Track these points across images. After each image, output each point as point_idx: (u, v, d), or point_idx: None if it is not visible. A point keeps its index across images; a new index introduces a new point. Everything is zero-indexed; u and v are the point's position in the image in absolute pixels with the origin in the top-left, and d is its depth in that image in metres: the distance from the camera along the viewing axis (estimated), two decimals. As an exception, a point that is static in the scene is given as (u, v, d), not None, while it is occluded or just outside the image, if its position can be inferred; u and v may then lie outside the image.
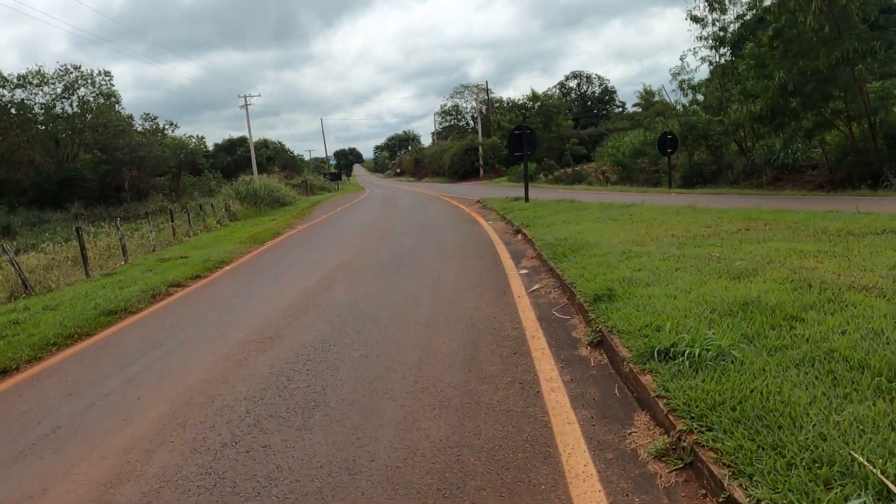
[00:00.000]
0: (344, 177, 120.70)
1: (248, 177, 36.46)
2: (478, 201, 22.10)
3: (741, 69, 24.57)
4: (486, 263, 8.56)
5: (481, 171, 60.13)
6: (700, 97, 26.00)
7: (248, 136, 56.74)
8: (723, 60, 24.45)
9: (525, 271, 7.74)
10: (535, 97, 40.79)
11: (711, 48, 24.54)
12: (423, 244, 11.26)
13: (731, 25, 24.60)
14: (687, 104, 26.48)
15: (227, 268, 10.72)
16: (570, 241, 8.22)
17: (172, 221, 20.31)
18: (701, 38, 24.63)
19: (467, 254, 9.68)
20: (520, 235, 11.00)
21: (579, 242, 8.06)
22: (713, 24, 24.31)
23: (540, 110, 39.26)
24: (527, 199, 17.02)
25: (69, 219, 42.43)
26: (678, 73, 27.25)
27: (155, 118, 65.33)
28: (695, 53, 31.08)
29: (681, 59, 37.05)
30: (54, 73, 50.85)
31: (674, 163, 30.23)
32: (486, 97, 69.59)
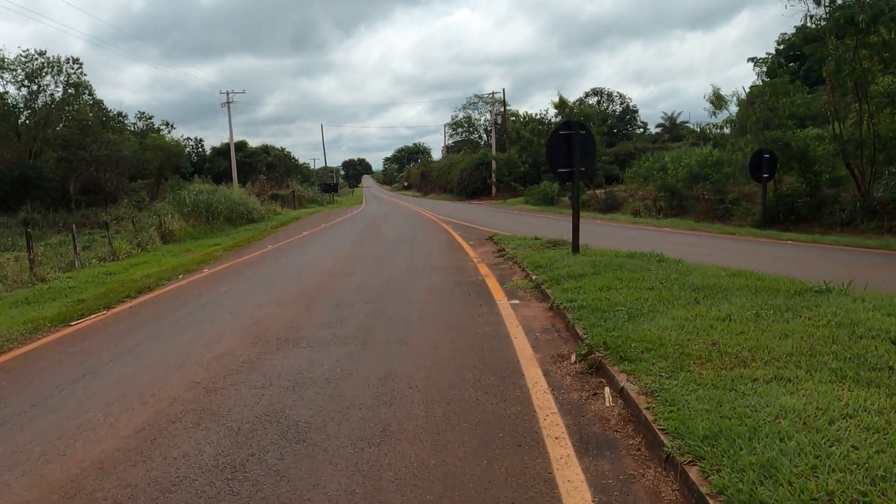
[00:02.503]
0: (347, 188, 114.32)
1: (202, 186, 29.70)
2: (490, 238, 15.06)
3: (867, 64, 17.59)
4: None
5: (494, 190, 53.11)
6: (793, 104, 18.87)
7: (232, 140, 50.16)
8: (839, 52, 17.43)
9: None
10: (562, 104, 33.81)
11: (825, 34, 17.52)
12: (339, 416, 4.25)
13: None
14: (778, 115, 19.32)
15: None
16: None
17: (31, 250, 13.39)
18: (812, 17, 17.62)
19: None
20: (611, 397, 3.95)
21: None
22: (829, 3, 17.33)
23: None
24: (576, 249, 9.97)
25: (15, 224, 36.34)
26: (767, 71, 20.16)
27: (150, 117, 58.91)
28: (803, 39, 23.75)
29: (780, 44, 29.21)
30: (15, 59, 44.39)
31: (749, 192, 23.17)
32: (503, 108, 62.75)
